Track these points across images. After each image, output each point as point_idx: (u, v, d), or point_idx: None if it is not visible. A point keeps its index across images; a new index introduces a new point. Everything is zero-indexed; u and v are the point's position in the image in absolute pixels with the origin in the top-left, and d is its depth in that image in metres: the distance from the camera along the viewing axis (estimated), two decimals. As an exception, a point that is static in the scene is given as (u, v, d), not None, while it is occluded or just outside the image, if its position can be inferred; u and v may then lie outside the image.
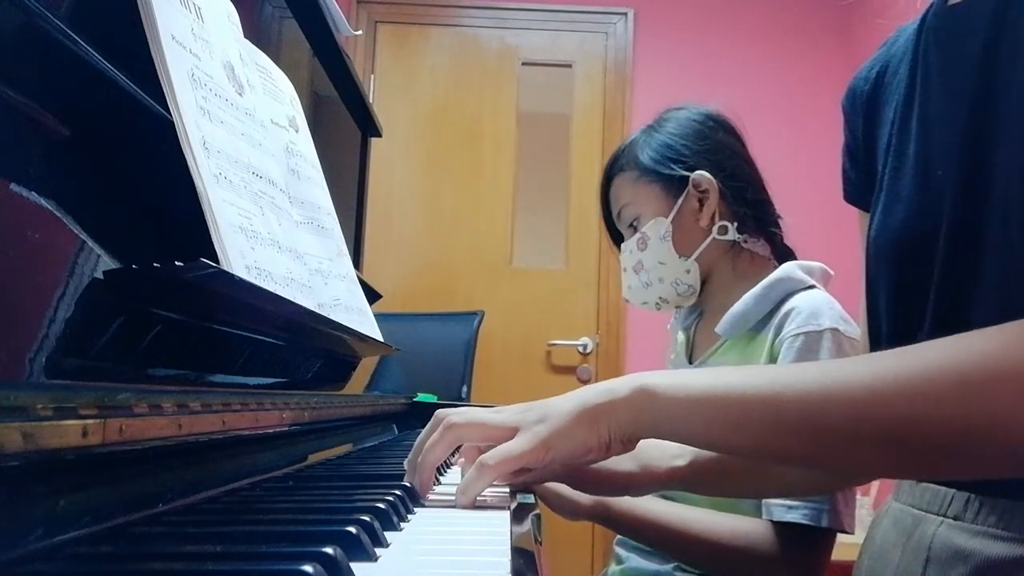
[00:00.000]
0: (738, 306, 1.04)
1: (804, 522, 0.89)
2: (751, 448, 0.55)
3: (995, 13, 0.58)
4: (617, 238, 1.20)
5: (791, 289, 1.03)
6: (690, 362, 1.16)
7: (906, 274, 0.64)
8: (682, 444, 0.60)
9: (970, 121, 0.58)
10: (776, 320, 1.01)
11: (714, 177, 1.09)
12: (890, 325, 0.66)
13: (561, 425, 0.57)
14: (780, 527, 0.91)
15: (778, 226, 1.14)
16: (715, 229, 1.09)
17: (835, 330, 0.95)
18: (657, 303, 1.16)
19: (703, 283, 1.13)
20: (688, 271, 1.11)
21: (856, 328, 0.98)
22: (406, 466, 0.64)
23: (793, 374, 0.54)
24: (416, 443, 0.63)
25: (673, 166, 1.10)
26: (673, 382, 0.56)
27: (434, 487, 0.64)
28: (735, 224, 1.09)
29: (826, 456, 0.53)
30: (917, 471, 0.60)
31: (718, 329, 1.07)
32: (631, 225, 1.14)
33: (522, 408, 0.60)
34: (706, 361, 1.11)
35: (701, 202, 1.09)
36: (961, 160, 0.59)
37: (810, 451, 0.52)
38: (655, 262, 1.12)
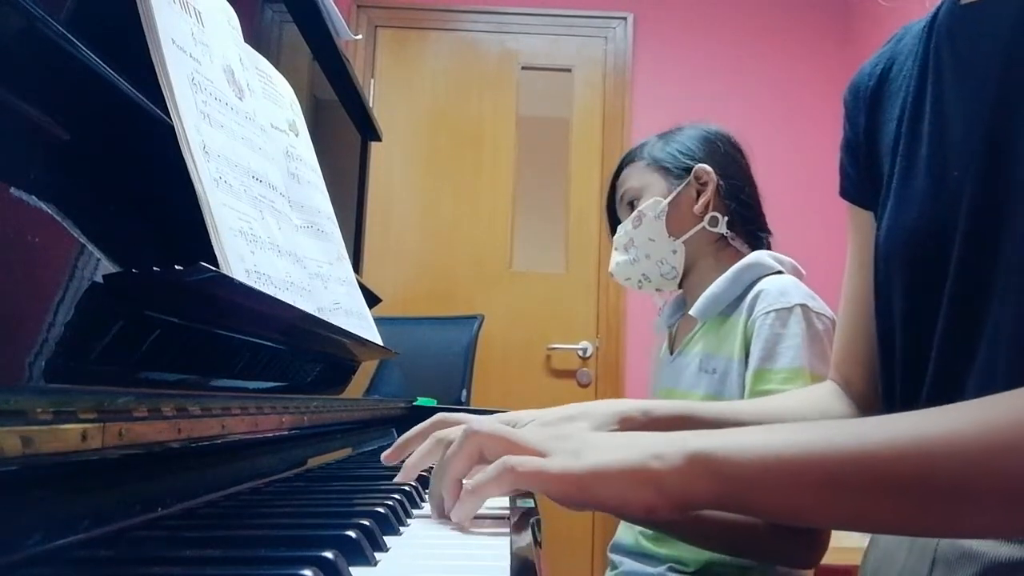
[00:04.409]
0: (711, 289, 1.13)
1: None
2: (841, 516, 0.50)
3: (1018, 14, 0.57)
4: (616, 225, 1.28)
5: (761, 274, 1.10)
6: (671, 352, 1.23)
7: (919, 275, 0.63)
8: (754, 516, 0.53)
9: (990, 123, 0.57)
10: (747, 302, 1.08)
11: (715, 173, 1.18)
12: (904, 325, 0.66)
13: (602, 470, 0.49)
14: None
15: (765, 236, 1.22)
16: (707, 219, 1.18)
17: (804, 305, 1.02)
18: (639, 281, 1.24)
19: (687, 273, 1.21)
20: (674, 252, 1.19)
21: (824, 304, 1.05)
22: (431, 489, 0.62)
23: (881, 427, 0.48)
24: (401, 440, 0.62)
25: (681, 157, 1.20)
26: (733, 444, 0.49)
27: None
28: (726, 219, 1.18)
29: (930, 520, 0.47)
30: None
31: (692, 311, 1.14)
32: (631, 205, 1.23)
33: (552, 433, 0.54)
34: (684, 348, 1.18)
35: (699, 192, 1.19)
36: (980, 162, 0.58)
37: (911, 515, 0.46)
38: (645, 239, 1.20)
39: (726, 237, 1.18)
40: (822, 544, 0.92)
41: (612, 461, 0.49)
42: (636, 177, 1.23)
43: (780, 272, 1.11)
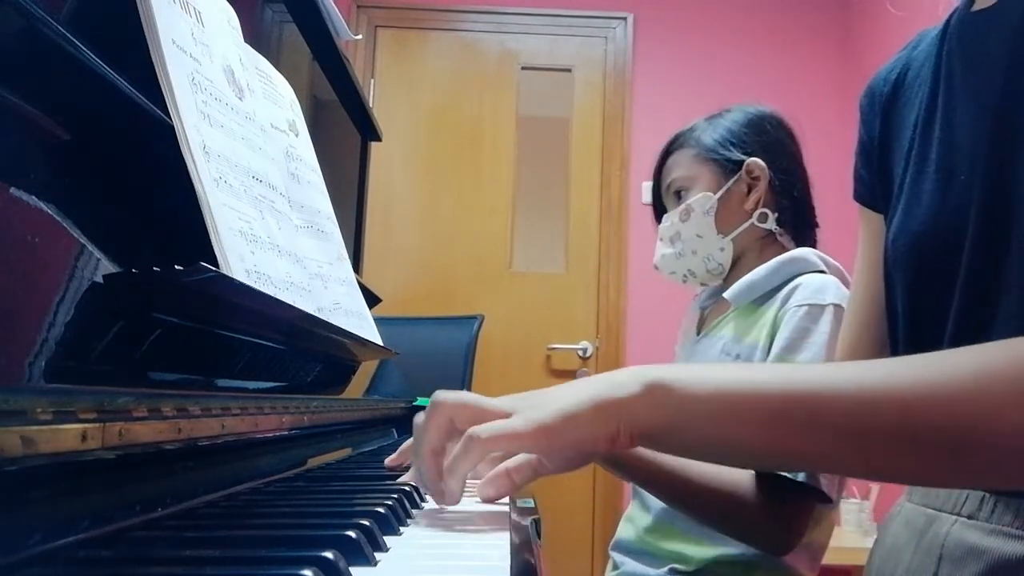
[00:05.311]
0: (749, 276, 1.10)
1: (782, 474, 0.91)
2: (784, 451, 0.52)
3: (1021, 19, 0.57)
4: (662, 213, 1.24)
5: (803, 269, 1.07)
6: (697, 334, 1.21)
7: (926, 277, 0.64)
8: (697, 447, 0.55)
9: (995, 127, 0.58)
10: (783, 294, 1.05)
11: (768, 167, 1.14)
12: (908, 326, 0.66)
13: (566, 412, 0.52)
14: (762, 478, 0.92)
15: (813, 230, 1.19)
16: (756, 215, 1.14)
17: (838, 306, 0.99)
18: (685, 276, 1.21)
19: (732, 267, 1.17)
20: (722, 249, 1.16)
21: None
22: (411, 461, 0.63)
23: (830, 372, 0.51)
24: (404, 446, 0.62)
25: (732, 149, 1.16)
26: (689, 376, 0.51)
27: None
28: (776, 215, 1.15)
29: (865, 460, 0.50)
30: (971, 480, 0.56)
31: (726, 294, 1.12)
32: (677, 196, 1.19)
33: (518, 396, 0.56)
34: (711, 330, 1.16)
35: (750, 187, 1.15)
36: (986, 165, 0.58)
37: (849, 454, 0.49)
38: (693, 234, 1.17)
39: (774, 233, 1.15)
40: (797, 530, 0.93)
41: (575, 401, 0.52)
42: (684, 166, 1.19)
43: (823, 272, 1.08)
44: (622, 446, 0.53)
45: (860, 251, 0.78)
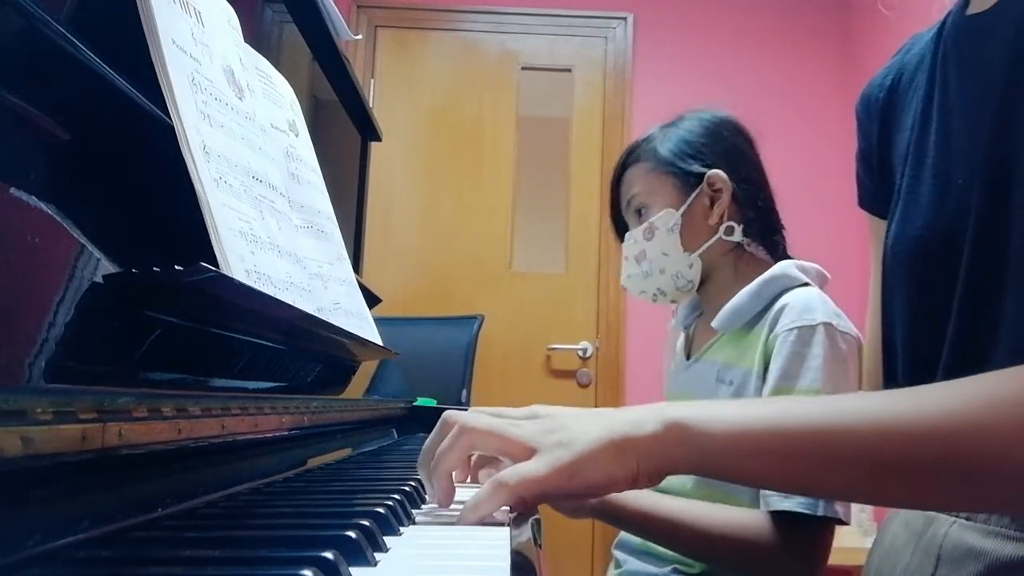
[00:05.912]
0: (734, 301, 1.07)
1: (800, 511, 0.89)
2: (800, 484, 0.55)
3: (1019, 23, 0.57)
4: (622, 229, 1.21)
5: (786, 286, 1.05)
6: (687, 358, 1.18)
7: (924, 282, 0.64)
8: (727, 481, 0.58)
9: (994, 131, 0.58)
10: (770, 316, 1.03)
11: (729, 178, 1.11)
12: (906, 332, 0.66)
13: (586, 453, 0.53)
14: (778, 516, 0.91)
15: (781, 235, 1.16)
16: (722, 228, 1.12)
17: (828, 324, 0.97)
18: (655, 295, 1.18)
19: (703, 281, 1.15)
20: (690, 266, 1.13)
21: (849, 323, 1.00)
22: (419, 471, 0.62)
23: (842, 406, 0.52)
24: (424, 447, 0.60)
25: (690, 161, 1.12)
26: (707, 415, 0.53)
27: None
28: (742, 226, 1.12)
29: (880, 490, 0.52)
30: (981, 507, 0.58)
31: (714, 324, 1.09)
32: (638, 212, 1.16)
33: (541, 428, 0.56)
34: (702, 356, 1.14)
35: (712, 200, 1.12)
36: (984, 169, 0.58)
37: (864, 485, 0.52)
38: (659, 253, 1.13)
39: (742, 244, 1.12)
40: (819, 559, 0.93)
41: (595, 441, 0.53)
42: (642, 181, 1.15)
43: (806, 284, 1.05)
44: (642, 486, 0.54)
45: (874, 260, 0.77)
